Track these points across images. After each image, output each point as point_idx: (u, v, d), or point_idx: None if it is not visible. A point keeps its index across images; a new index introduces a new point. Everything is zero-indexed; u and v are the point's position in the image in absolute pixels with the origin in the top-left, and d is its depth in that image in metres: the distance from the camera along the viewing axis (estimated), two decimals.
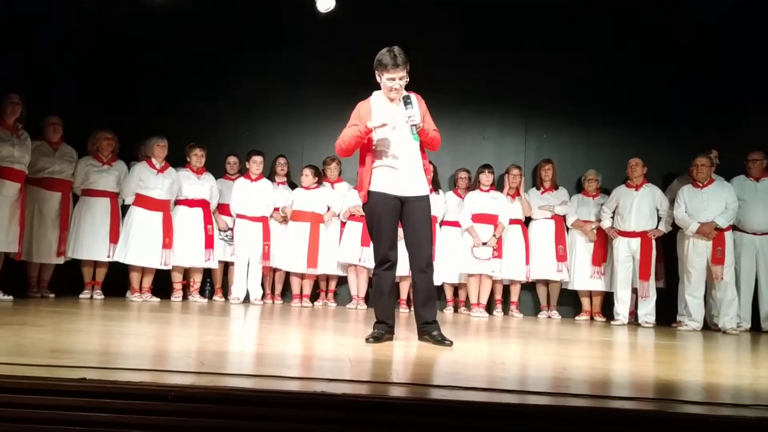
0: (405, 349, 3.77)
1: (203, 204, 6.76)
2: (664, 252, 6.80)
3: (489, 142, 7.61)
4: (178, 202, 6.72)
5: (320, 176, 7.05)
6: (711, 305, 6.29)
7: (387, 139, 3.89)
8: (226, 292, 7.05)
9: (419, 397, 2.34)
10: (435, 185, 6.73)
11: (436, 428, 2.16)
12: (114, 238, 6.38)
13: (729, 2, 6.79)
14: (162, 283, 6.66)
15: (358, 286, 7.00)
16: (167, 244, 6.44)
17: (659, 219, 6.60)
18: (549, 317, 6.98)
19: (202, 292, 6.91)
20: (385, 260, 3.92)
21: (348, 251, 6.94)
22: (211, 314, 5.58)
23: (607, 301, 6.90)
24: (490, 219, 6.76)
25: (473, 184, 7.01)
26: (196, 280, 6.82)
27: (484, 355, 3.71)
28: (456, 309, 7.08)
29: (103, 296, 6.36)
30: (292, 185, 7.28)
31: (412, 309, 6.54)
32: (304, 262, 6.84)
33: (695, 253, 6.23)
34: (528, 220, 7.11)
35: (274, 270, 7.05)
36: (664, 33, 7.14)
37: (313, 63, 7.47)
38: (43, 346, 3.12)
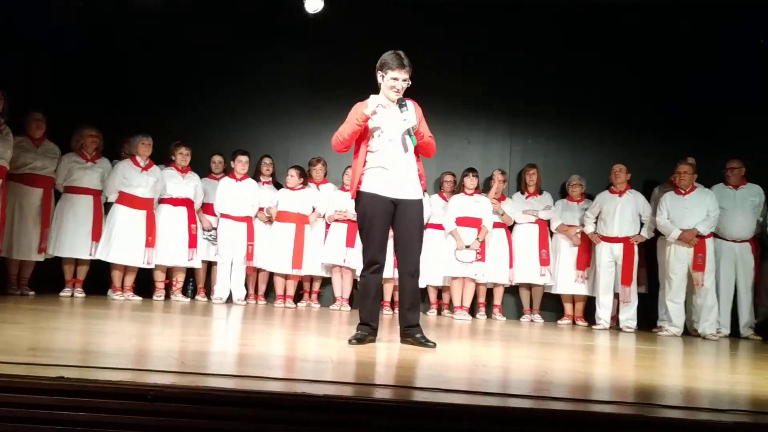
0: (388, 351, 3.77)
1: (187, 203, 6.72)
2: (646, 258, 6.86)
3: (474, 146, 7.64)
4: (162, 201, 6.67)
5: (305, 177, 7.04)
6: (691, 311, 6.35)
7: (382, 142, 3.89)
8: (208, 291, 7.01)
9: (401, 399, 2.34)
10: None
11: (418, 430, 2.16)
12: (96, 235, 6.32)
13: (709, 12, 6.86)
14: (144, 282, 6.62)
15: (342, 287, 6.99)
16: (150, 242, 6.39)
17: (642, 225, 6.66)
18: (531, 321, 7.01)
19: (184, 292, 6.87)
20: (373, 262, 3.91)
21: (332, 252, 6.93)
22: (194, 314, 5.55)
23: (589, 306, 6.95)
24: (473, 222, 6.79)
25: (458, 188, 7.03)
26: (179, 279, 6.77)
27: (466, 358, 3.72)
28: (439, 312, 7.10)
29: (84, 294, 6.30)
30: (278, 185, 7.25)
31: (396, 311, 6.62)
32: (288, 263, 6.82)
33: (676, 260, 6.29)
34: (512, 224, 7.14)
35: (258, 270, 7.02)
36: (646, 42, 7.21)
37: (300, 64, 7.46)
38: (21, 344, 3.09)
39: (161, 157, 6.75)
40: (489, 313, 7.08)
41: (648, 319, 6.65)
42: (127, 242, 6.29)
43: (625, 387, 2.99)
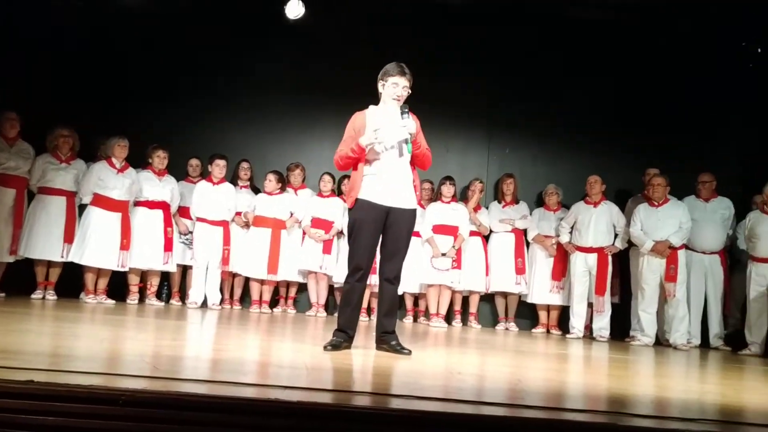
0: (363, 357, 3.76)
1: (163, 206, 6.66)
2: (619, 268, 6.93)
3: (452, 155, 7.67)
4: (137, 204, 6.61)
5: (283, 182, 7.02)
6: (663, 321, 6.43)
7: (379, 149, 3.89)
8: (183, 296, 6.94)
9: (376, 405, 2.34)
10: None
11: None
12: (69, 237, 6.23)
13: (688, 26, 6.99)
14: (118, 286, 6.53)
15: (318, 293, 6.97)
16: (125, 245, 6.32)
17: (616, 236, 6.74)
18: (506, 329, 7.05)
19: (159, 296, 6.80)
20: (357, 269, 3.89)
21: (309, 258, 6.91)
22: (168, 318, 5.49)
23: (564, 315, 7.01)
24: (450, 230, 6.82)
25: (435, 196, 7.06)
26: (153, 283, 6.70)
27: (441, 366, 3.72)
28: (415, 319, 7.11)
29: (56, 297, 6.20)
30: (256, 190, 7.22)
31: (372, 318, 6.62)
32: (264, 268, 6.78)
33: (649, 270, 6.37)
34: (489, 233, 7.19)
35: (234, 275, 6.97)
36: (622, 55, 7.32)
37: (280, 69, 7.45)
38: None
39: (138, 160, 6.68)
40: (465, 321, 7.10)
41: (621, 328, 6.73)
42: (101, 245, 6.21)
43: (597, 396, 3.02)
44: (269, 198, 6.91)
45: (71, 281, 6.37)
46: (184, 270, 6.99)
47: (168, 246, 6.63)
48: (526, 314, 7.26)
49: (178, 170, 7.00)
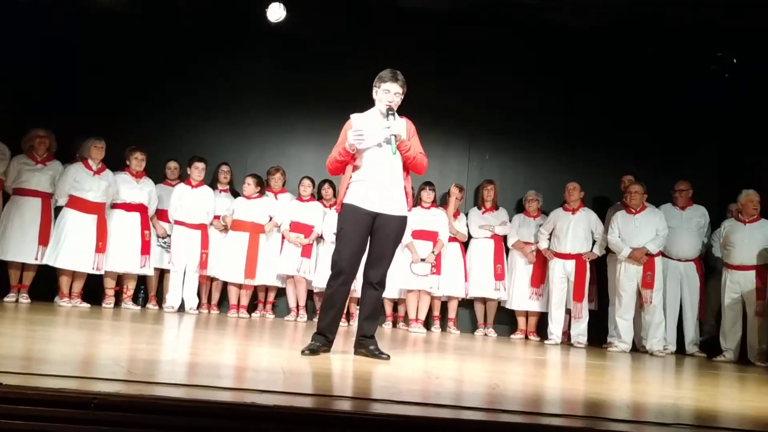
0: (341, 362, 3.74)
1: (141, 209, 6.59)
2: (597, 275, 6.99)
3: (432, 160, 7.64)
4: (114, 206, 6.53)
5: (263, 186, 6.98)
6: (640, 328, 6.49)
7: (369, 154, 3.88)
8: (160, 300, 6.87)
9: (353, 410, 2.33)
10: None
11: None
12: (44, 239, 6.14)
13: (669, 35, 7.09)
14: (93, 289, 6.44)
15: (297, 296, 6.93)
16: (100, 248, 6.24)
17: (594, 242, 6.79)
18: (485, 334, 7.07)
19: (135, 300, 6.71)
20: (339, 273, 3.86)
21: (288, 262, 6.87)
22: (144, 322, 5.42)
23: (542, 321, 7.04)
24: (429, 236, 6.82)
25: (415, 201, 7.06)
26: (130, 286, 6.62)
27: (419, 370, 3.72)
28: (395, 324, 7.10)
29: (29, 300, 6.10)
30: (235, 194, 7.17)
31: (351, 323, 6.60)
32: (242, 272, 6.73)
33: (626, 277, 6.42)
34: (468, 239, 7.21)
35: (212, 279, 6.91)
36: (602, 63, 7.41)
37: (262, 73, 7.43)
38: None
39: (116, 162, 6.61)
40: (444, 327, 7.11)
41: (598, 334, 6.77)
42: (77, 247, 6.12)
43: (574, 400, 3.03)
44: (248, 202, 6.87)
45: (45, 284, 6.28)
46: (162, 274, 6.91)
47: (145, 249, 6.55)
48: (505, 320, 7.29)
49: (156, 173, 6.93)
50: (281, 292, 7.13)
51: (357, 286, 5.93)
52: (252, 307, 7.00)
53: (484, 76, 7.45)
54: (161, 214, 6.86)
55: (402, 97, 3.94)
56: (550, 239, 6.88)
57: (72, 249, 6.11)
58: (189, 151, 7.04)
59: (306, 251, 6.85)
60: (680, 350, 6.59)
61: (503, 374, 3.89)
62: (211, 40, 7.32)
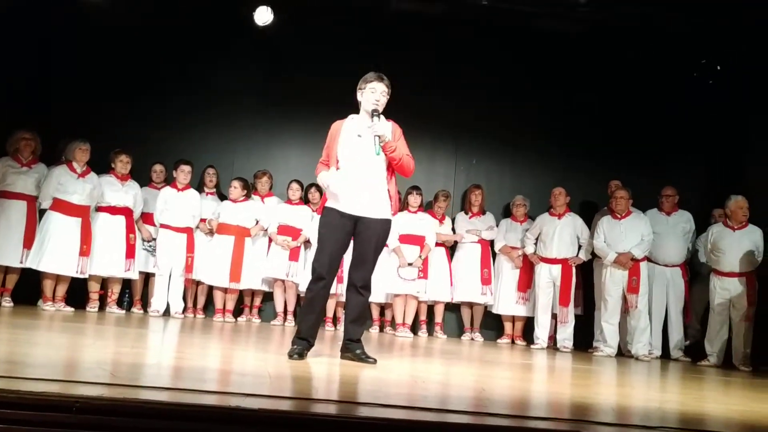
0: (327, 366, 3.73)
1: (126, 212, 6.54)
2: (582, 280, 7.01)
3: (419, 165, 7.65)
4: (99, 209, 6.48)
5: (249, 189, 6.95)
6: (625, 332, 6.52)
7: (353, 158, 3.87)
8: (145, 304, 6.81)
9: (339, 413, 2.32)
10: None
11: None
12: (28, 243, 6.07)
13: (651, 42, 7.16)
14: (78, 293, 6.38)
15: (287, 301, 6.90)
16: (85, 251, 6.18)
17: (579, 247, 6.81)
18: (472, 339, 7.07)
19: (120, 303, 6.65)
20: (320, 277, 3.86)
21: (275, 265, 6.84)
22: (128, 326, 5.38)
23: (528, 326, 7.06)
24: (416, 240, 6.83)
25: (402, 205, 7.07)
26: (114, 290, 6.56)
27: (406, 374, 3.71)
28: (382, 328, 7.08)
29: (12, 304, 6.02)
30: (222, 197, 7.14)
31: (338, 328, 6.58)
32: (227, 276, 6.70)
33: (612, 282, 6.45)
34: (455, 243, 7.22)
35: (197, 283, 6.87)
36: (588, 68, 7.46)
37: (249, 75, 7.40)
38: None
39: (102, 165, 6.56)
40: (430, 331, 7.11)
41: (584, 339, 6.79)
42: (61, 250, 6.06)
43: (560, 404, 3.03)
44: (234, 205, 6.83)
45: (29, 288, 6.21)
46: (147, 277, 6.86)
47: (130, 253, 6.50)
48: (492, 324, 7.30)
49: (141, 176, 6.88)
50: (267, 297, 7.09)
51: (340, 290, 5.96)
52: (238, 312, 6.96)
53: (472, 81, 7.47)
54: (147, 218, 6.81)
55: (387, 97, 3.95)
56: (536, 244, 6.91)
57: (56, 252, 6.05)
58: (175, 154, 7.00)
59: (294, 254, 6.82)
60: (665, 355, 6.62)
61: (489, 378, 3.90)
62: (199, 43, 7.28)
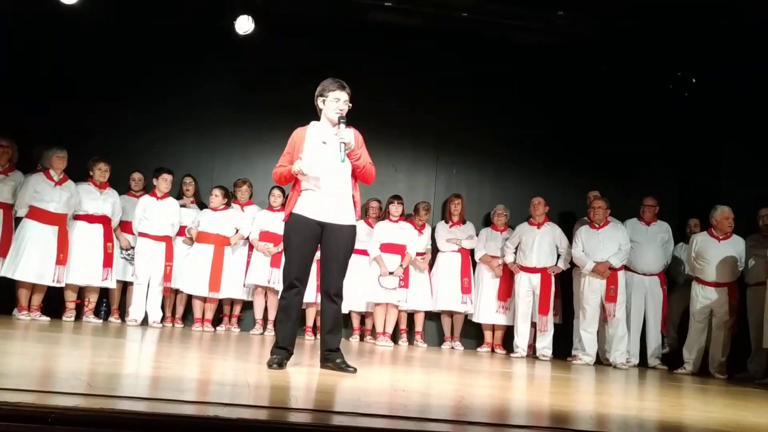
0: (307, 375, 3.71)
1: (104, 220, 6.48)
2: (561, 288, 7.06)
3: (401, 174, 7.72)
4: (77, 217, 6.41)
5: (229, 198, 6.91)
6: (604, 341, 6.57)
7: (318, 165, 3.87)
8: (123, 313, 6.73)
9: (318, 422, 2.31)
10: None
11: None
12: (3, 251, 5.99)
13: (628, 54, 7.27)
14: (54, 302, 6.30)
15: (267, 308, 6.86)
16: (61, 260, 6.11)
17: (559, 256, 6.86)
18: (452, 348, 7.08)
19: (97, 313, 6.58)
20: (292, 285, 3.87)
21: (257, 273, 6.80)
22: (106, 336, 5.32)
23: (508, 334, 7.09)
24: (398, 249, 6.84)
25: (383, 214, 7.08)
26: (92, 299, 6.48)
27: (386, 383, 3.71)
28: (362, 338, 7.07)
29: None
30: (202, 205, 7.10)
31: (318, 336, 6.54)
32: (206, 285, 6.65)
33: (590, 291, 6.51)
34: (435, 252, 7.24)
35: (176, 292, 6.81)
36: (566, 80, 7.55)
37: (228, 85, 7.37)
38: None
39: (79, 173, 6.49)
40: (411, 340, 7.11)
41: (563, 347, 6.84)
42: (37, 259, 5.99)
43: (540, 412, 3.05)
44: (214, 214, 6.79)
45: (4, 297, 6.12)
46: (125, 286, 6.79)
47: (108, 261, 6.43)
48: (472, 333, 7.32)
49: (120, 184, 6.82)
50: (247, 306, 7.05)
51: (312, 298, 5.93)
52: (217, 321, 6.91)
53: (452, 91, 7.54)
54: (125, 226, 6.75)
55: (349, 105, 3.96)
56: (516, 253, 6.95)
57: (32, 261, 5.97)
58: (154, 162, 6.95)
59: (275, 261, 6.78)
60: (643, 363, 6.68)
61: (469, 387, 3.90)
62: (179, 51, 7.24)
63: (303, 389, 3.24)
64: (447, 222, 7.32)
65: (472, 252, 7.20)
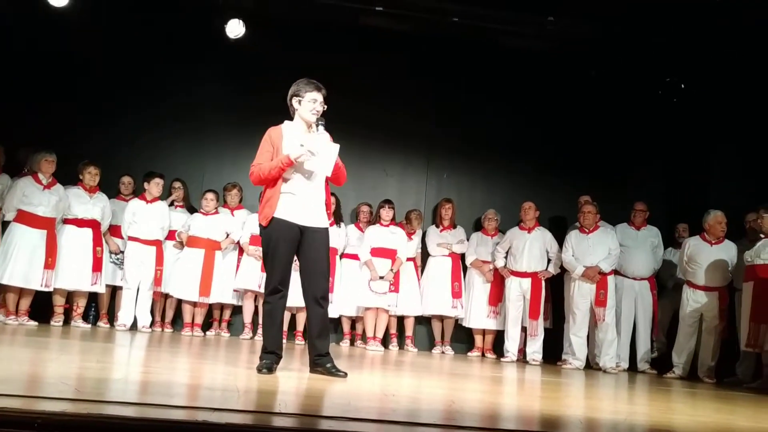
0: (297, 380, 3.70)
1: (93, 224, 6.44)
2: (551, 293, 7.07)
3: (392, 179, 7.74)
4: (66, 221, 6.37)
5: (219, 202, 6.89)
6: (593, 345, 6.59)
7: (296, 167, 3.86)
8: (112, 318, 6.69)
9: (307, 427, 2.30)
10: (337, 218, 6.76)
11: None
12: None
13: (619, 59, 7.31)
14: (42, 306, 6.25)
15: (257, 312, 6.83)
16: (50, 264, 6.06)
17: (549, 261, 6.88)
18: (443, 352, 7.08)
19: (85, 317, 6.53)
20: (276, 290, 3.85)
21: (247, 277, 6.77)
22: (94, 340, 5.28)
23: (499, 339, 7.10)
24: (388, 253, 6.83)
25: (374, 219, 7.08)
26: (80, 304, 6.44)
27: (376, 388, 3.70)
28: (353, 342, 7.05)
29: None
30: (191, 209, 7.07)
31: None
32: (196, 290, 6.62)
33: (580, 295, 6.52)
34: (426, 257, 7.24)
35: (166, 296, 6.77)
36: (557, 85, 7.59)
37: (218, 89, 7.36)
38: None
39: (69, 176, 6.45)
40: (401, 344, 7.10)
41: (553, 352, 6.85)
42: (24, 263, 5.95)
43: (530, 416, 3.05)
44: (204, 218, 6.77)
45: None
46: (114, 291, 6.75)
47: (97, 266, 6.39)
48: (462, 338, 7.32)
49: (110, 188, 6.79)
50: (237, 311, 7.02)
51: (301, 302, 5.89)
52: (207, 326, 6.87)
53: (443, 95, 7.56)
54: (114, 230, 6.71)
55: (324, 106, 3.93)
56: (506, 258, 6.96)
57: (19, 265, 5.93)
58: (144, 166, 6.93)
59: None
60: (632, 367, 6.70)
61: (460, 391, 3.90)
62: (169, 55, 7.23)
63: (293, 394, 3.23)
64: (438, 226, 7.33)
65: (462, 256, 7.21)
